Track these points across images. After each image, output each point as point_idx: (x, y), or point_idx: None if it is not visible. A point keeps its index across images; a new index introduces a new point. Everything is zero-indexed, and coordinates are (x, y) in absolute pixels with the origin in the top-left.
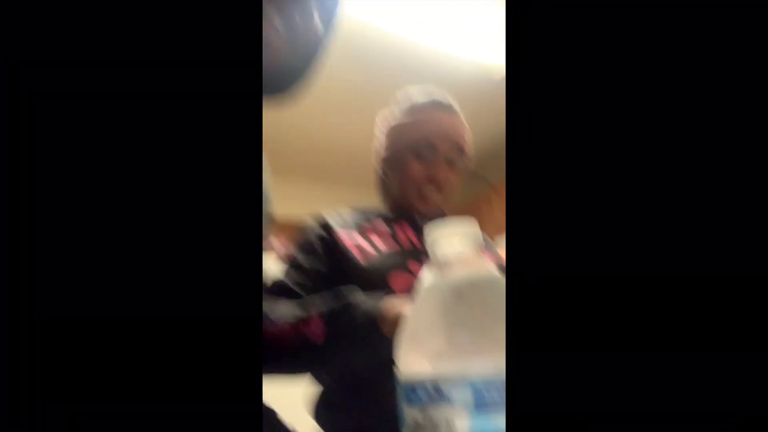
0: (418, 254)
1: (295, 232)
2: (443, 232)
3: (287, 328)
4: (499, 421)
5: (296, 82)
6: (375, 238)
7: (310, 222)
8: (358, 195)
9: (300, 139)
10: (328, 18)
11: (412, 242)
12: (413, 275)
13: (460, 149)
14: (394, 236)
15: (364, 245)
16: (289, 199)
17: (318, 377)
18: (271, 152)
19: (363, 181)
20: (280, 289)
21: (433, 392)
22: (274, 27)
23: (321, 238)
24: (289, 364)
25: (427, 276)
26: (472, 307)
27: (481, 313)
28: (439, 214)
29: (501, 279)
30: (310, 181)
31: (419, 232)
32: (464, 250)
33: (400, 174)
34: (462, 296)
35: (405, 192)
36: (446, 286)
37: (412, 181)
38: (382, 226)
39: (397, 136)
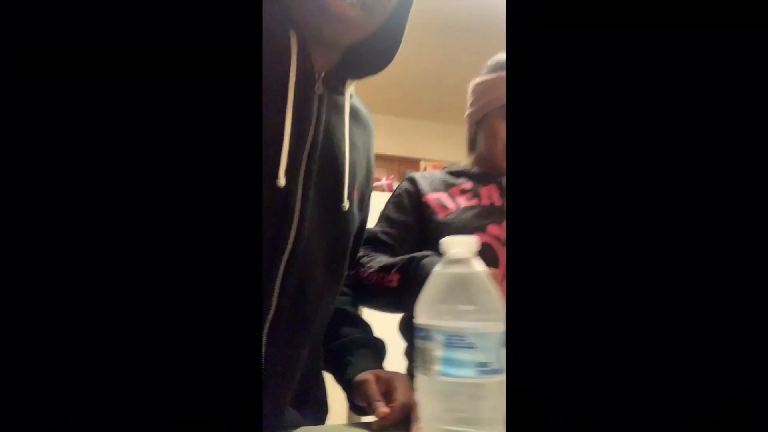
0: (496, 213)
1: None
2: (456, 240)
3: (372, 274)
4: (462, 355)
5: (385, 54)
6: (458, 196)
7: (404, 180)
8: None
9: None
10: None
11: (492, 202)
12: (486, 234)
13: None
14: (477, 195)
15: (445, 202)
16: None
17: (398, 309)
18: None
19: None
20: (371, 238)
21: (428, 333)
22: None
23: (408, 193)
24: (374, 301)
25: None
26: (468, 289)
27: (473, 294)
28: None
29: (487, 275)
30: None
31: (503, 191)
32: (467, 254)
33: (487, 131)
34: (463, 281)
35: (491, 150)
36: (453, 273)
37: (499, 139)
38: (468, 185)
39: (484, 93)
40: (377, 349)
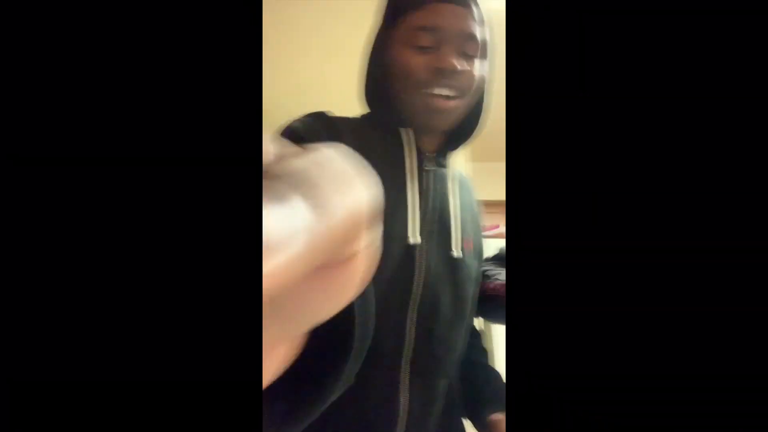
0: None
1: None
2: None
3: (498, 286)
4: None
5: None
6: None
7: None
8: None
9: None
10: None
11: None
12: None
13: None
14: None
15: None
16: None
17: None
18: None
19: None
20: (497, 255)
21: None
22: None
23: None
24: (499, 312)
25: None
26: None
27: None
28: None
29: None
30: None
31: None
32: None
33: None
34: None
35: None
36: None
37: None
38: None
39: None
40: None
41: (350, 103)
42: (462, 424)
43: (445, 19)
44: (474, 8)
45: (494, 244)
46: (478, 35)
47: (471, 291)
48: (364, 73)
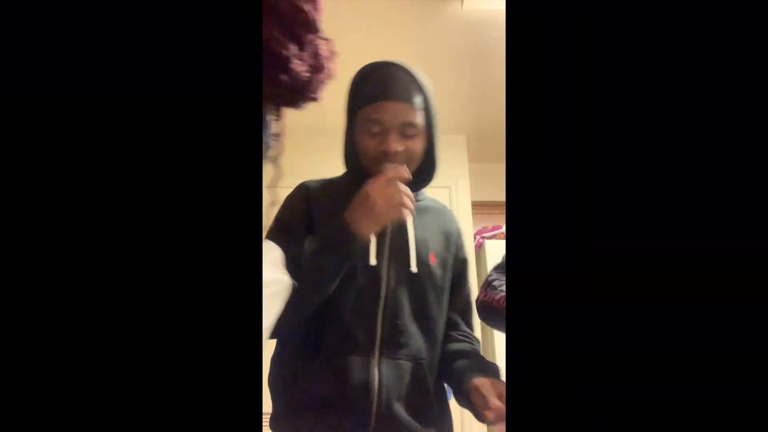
0: None
1: None
2: None
3: (503, 299)
4: None
5: None
6: None
7: None
8: None
9: None
10: None
11: None
12: None
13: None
14: None
15: None
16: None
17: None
18: None
19: None
20: (503, 264)
21: None
22: None
23: None
24: (495, 322)
25: None
26: None
27: None
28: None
29: None
30: None
31: None
32: None
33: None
34: None
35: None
36: None
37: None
38: None
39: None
40: (492, 371)
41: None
42: (430, 394)
43: (387, 113)
44: (415, 99)
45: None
46: (418, 119)
47: (434, 294)
48: (342, 146)
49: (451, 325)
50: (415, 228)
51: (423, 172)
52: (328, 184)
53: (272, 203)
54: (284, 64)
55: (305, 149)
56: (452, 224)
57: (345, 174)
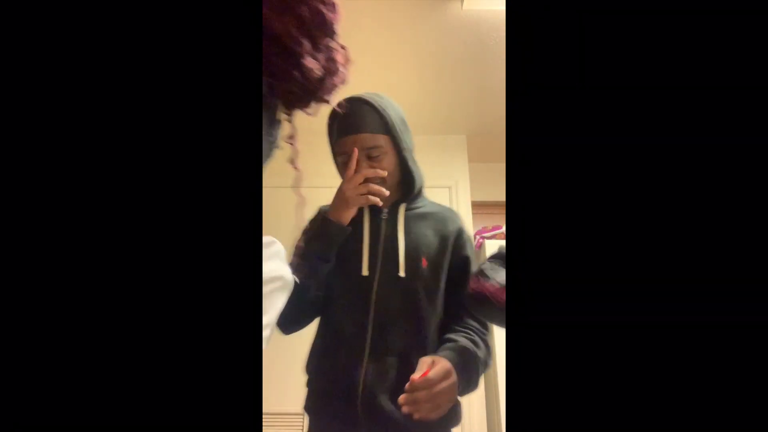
0: None
1: None
2: None
3: (494, 290)
4: None
5: None
6: None
7: None
8: None
9: None
10: None
11: None
12: None
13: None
14: None
15: None
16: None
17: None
18: None
19: None
20: (500, 253)
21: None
22: None
23: None
24: (491, 313)
25: None
26: None
27: None
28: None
29: None
30: None
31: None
32: None
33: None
34: None
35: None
36: None
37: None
38: None
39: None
40: (455, 359)
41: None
42: None
43: (348, 146)
44: (373, 126)
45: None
46: (380, 142)
47: (425, 296)
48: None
49: (455, 318)
50: (409, 234)
51: (405, 184)
52: None
53: (300, 204)
54: (297, 60)
55: (304, 149)
56: (451, 226)
57: None
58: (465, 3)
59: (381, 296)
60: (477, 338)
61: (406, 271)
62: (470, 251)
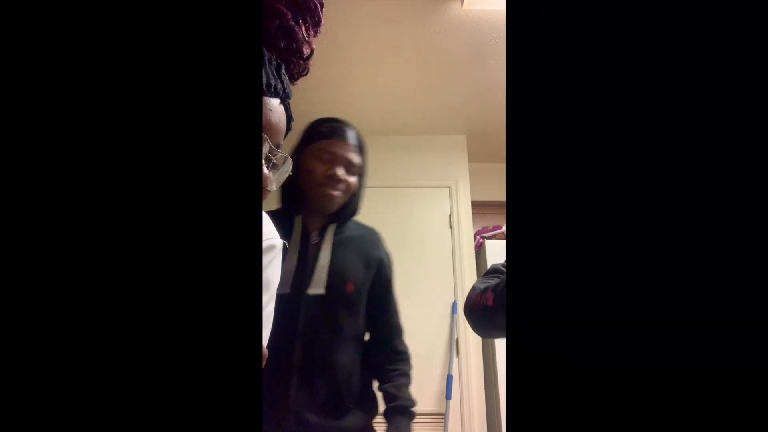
0: None
1: None
2: None
3: (477, 296)
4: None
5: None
6: None
7: None
8: None
9: None
10: None
11: None
12: None
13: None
14: None
15: None
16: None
17: (491, 328)
18: None
19: None
20: (491, 270)
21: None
22: None
23: None
24: (475, 319)
25: None
26: None
27: None
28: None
29: None
30: None
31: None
32: None
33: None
34: None
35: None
36: None
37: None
38: None
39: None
40: (410, 416)
41: (353, 100)
42: (343, 400)
43: (338, 148)
44: (356, 143)
45: (499, 247)
46: (357, 161)
47: (350, 318)
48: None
49: (381, 346)
50: (335, 256)
51: (348, 210)
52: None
53: None
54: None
55: None
56: (374, 250)
57: (278, 210)
58: (465, 3)
59: (307, 319)
60: (404, 365)
61: (331, 291)
62: (391, 273)
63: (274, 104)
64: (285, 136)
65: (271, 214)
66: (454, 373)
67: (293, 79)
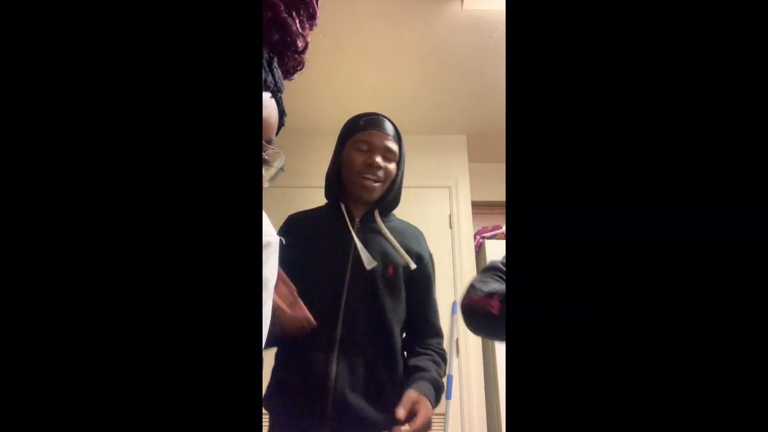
0: None
1: None
2: None
3: (479, 299)
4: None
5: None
6: None
7: None
8: None
9: None
10: None
11: None
12: None
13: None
14: None
15: None
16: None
17: (495, 336)
18: None
19: None
20: (491, 266)
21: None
22: None
23: None
24: (476, 323)
25: None
26: None
27: None
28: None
29: None
30: None
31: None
32: None
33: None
34: None
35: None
36: None
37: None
38: None
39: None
40: (427, 387)
41: (355, 99)
42: (385, 384)
43: (375, 138)
44: (393, 132)
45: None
46: (395, 148)
47: (390, 300)
48: (327, 172)
49: (416, 336)
50: (376, 242)
51: (389, 198)
52: (310, 214)
53: None
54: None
55: (299, 149)
56: (415, 245)
57: (325, 204)
58: (465, 3)
59: (350, 295)
60: (437, 357)
61: (374, 272)
62: (432, 272)
63: (264, 98)
64: (278, 132)
65: (317, 209)
66: (454, 373)
67: (288, 73)
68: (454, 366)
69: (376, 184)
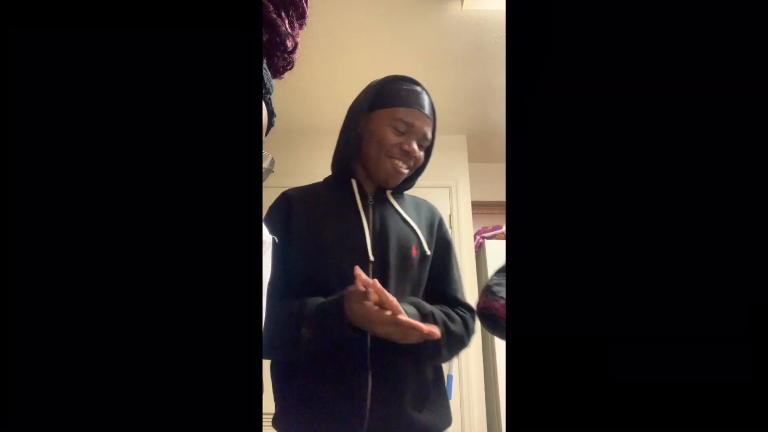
0: None
1: None
2: None
3: (501, 306)
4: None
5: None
6: None
7: None
8: None
9: None
10: None
11: None
12: None
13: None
14: None
15: None
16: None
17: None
18: None
19: None
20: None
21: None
22: None
23: None
24: (500, 332)
25: None
26: None
27: None
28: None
29: None
30: None
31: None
32: None
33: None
34: None
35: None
36: None
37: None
38: None
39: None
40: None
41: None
42: (426, 382)
43: (419, 121)
44: (433, 118)
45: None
46: (429, 136)
47: (416, 283)
48: (340, 141)
49: (450, 302)
50: (398, 223)
51: (407, 183)
52: (308, 191)
53: None
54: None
55: (299, 149)
56: (433, 215)
57: (327, 177)
58: (465, 3)
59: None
60: (471, 322)
61: (398, 258)
62: (450, 237)
63: None
64: (267, 133)
65: (315, 186)
66: (454, 373)
67: (278, 73)
68: (454, 366)
69: (406, 171)
